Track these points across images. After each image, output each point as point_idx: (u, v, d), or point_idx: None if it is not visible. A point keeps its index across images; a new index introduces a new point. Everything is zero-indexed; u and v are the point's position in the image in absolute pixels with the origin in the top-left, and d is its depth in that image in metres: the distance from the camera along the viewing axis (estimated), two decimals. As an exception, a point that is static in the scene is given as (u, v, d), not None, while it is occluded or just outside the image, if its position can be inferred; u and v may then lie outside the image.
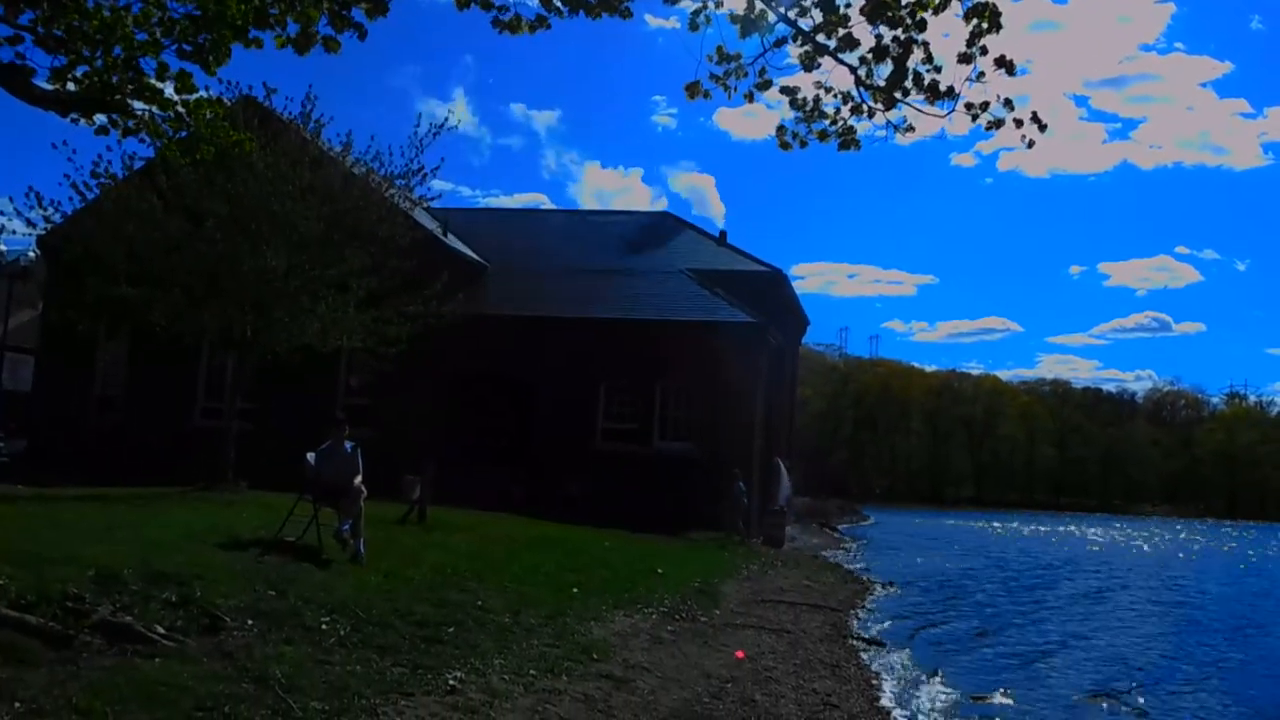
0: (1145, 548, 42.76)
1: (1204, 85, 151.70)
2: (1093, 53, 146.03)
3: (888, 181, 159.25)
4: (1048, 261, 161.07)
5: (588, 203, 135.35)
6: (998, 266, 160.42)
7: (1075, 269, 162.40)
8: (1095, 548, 40.78)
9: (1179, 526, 69.79)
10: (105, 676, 5.68)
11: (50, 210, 15.81)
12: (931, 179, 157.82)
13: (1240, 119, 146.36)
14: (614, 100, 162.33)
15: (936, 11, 6.10)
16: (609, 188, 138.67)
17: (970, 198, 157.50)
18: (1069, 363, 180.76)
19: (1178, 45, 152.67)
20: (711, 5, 6.46)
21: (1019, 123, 6.35)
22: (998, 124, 6.35)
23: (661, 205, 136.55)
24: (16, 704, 5.10)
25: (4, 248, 29.16)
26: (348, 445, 11.23)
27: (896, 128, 6.59)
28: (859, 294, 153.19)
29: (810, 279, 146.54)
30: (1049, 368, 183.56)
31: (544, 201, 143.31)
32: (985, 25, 6.05)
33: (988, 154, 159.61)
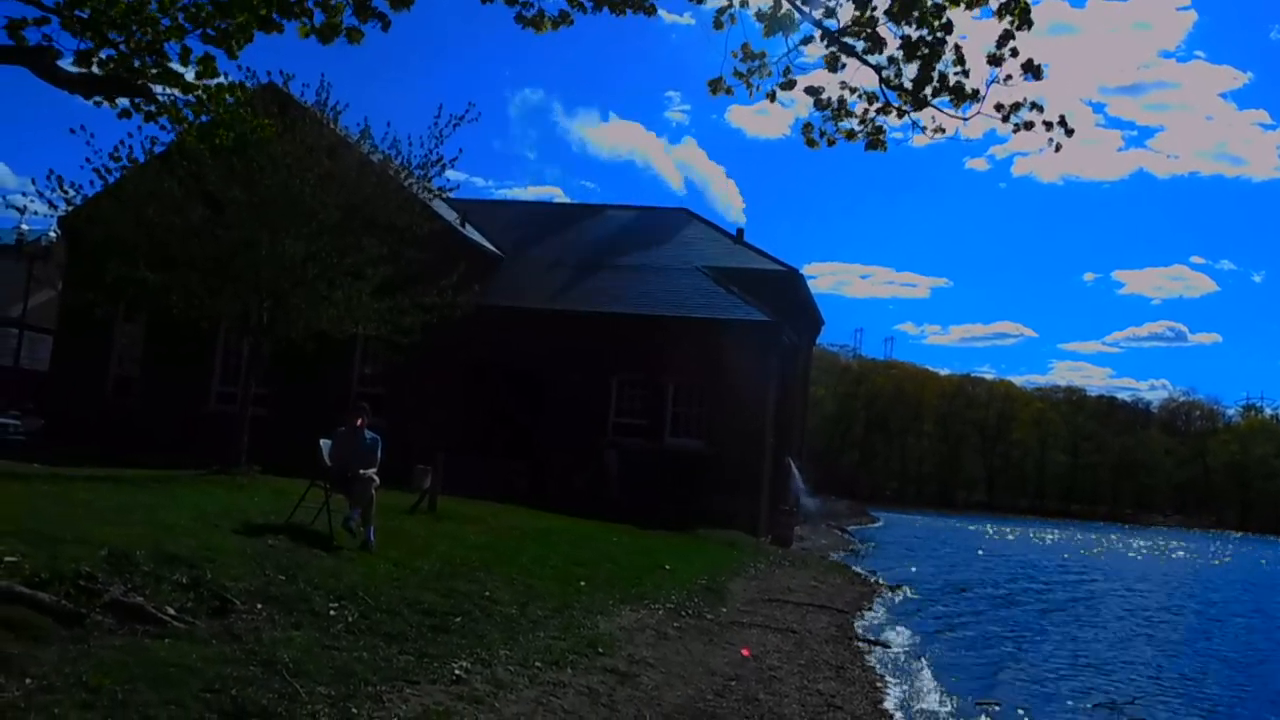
0: (1156, 559, 42.52)
1: (1224, 95, 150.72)
2: (1110, 58, 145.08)
3: (901, 183, 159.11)
4: (1061, 268, 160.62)
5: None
6: (1011, 271, 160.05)
7: (1089, 276, 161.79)
8: (1105, 556, 40.57)
9: (1191, 537, 69.35)
10: (115, 655, 5.73)
11: (71, 193, 15.91)
12: (945, 182, 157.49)
13: (1259, 130, 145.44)
14: (626, 95, 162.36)
15: (969, 6, 6.06)
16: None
17: (984, 202, 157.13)
18: (1083, 370, 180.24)
19: (1198, 53, 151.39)
20: (737, 3, 6.43)
21: (1048, 125, 6.33)
22: (1027, 126, 6.32)
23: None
24: (28, 680, 5.15)
25: (26, 227, 29.35)
26: (368, 435, 11.25)
27: (925, 128, 6.56)
28: (872, 295, 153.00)
29: (823, 278, 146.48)
30: (1062, 374, 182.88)
31: (558, 195, 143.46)
32: (1016, 22, 6.01)
33: (1001, 159, 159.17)
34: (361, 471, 10.75)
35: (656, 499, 22.56)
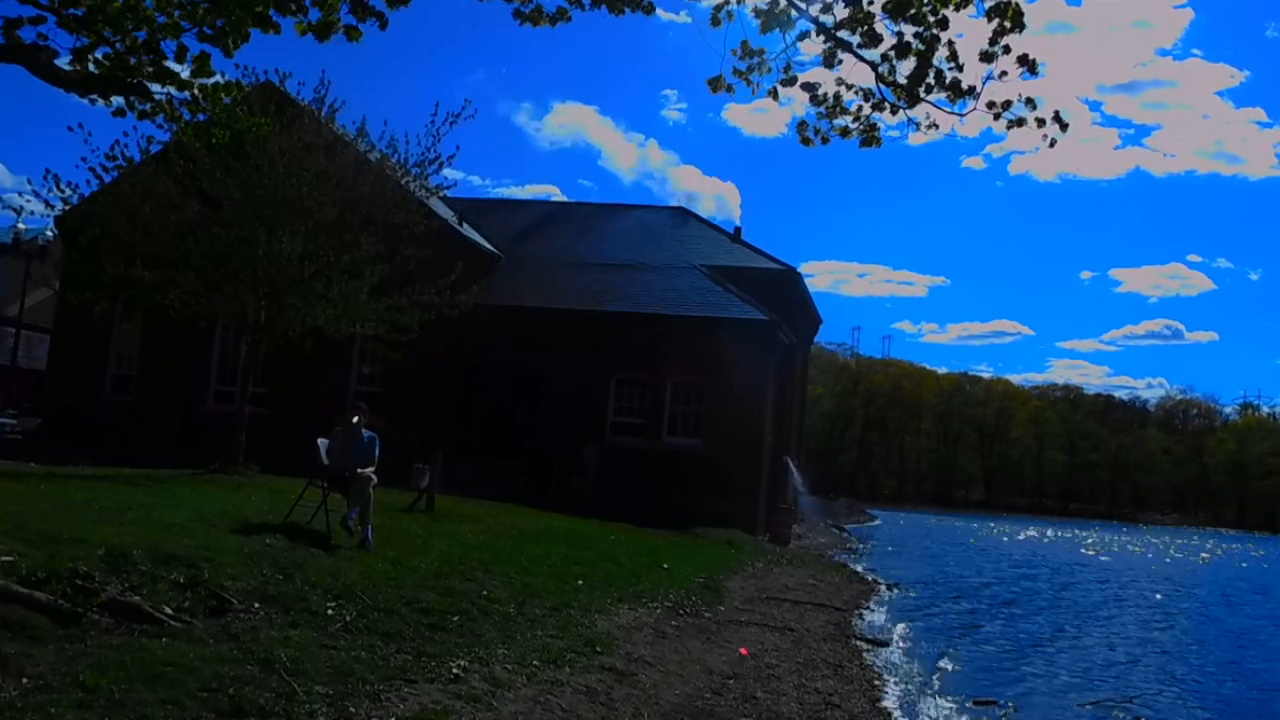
0: (1153, 556, 42.58)
1: (1221, 94, 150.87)
2: (1108, 57, 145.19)
3: (898, 182, 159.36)
4: (1059, 266, 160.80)
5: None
6: (1009, 270, 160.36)
7: (1086, 274, 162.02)
8: (1103, 555, 40.63)
9: (1189, 535, 69.43)
10: (112, 655, 5.72)
11: (68, 192, 15.90)
12: (942, 181, 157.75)
13: (1256, 128, 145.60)
14: (624, 94, 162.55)
15: (958, 8, 6.05)
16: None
17: (981, 200, 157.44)
18: (1080, 368, 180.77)
19: (1195, 51, 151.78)
20: (734, 0, 6.42)
21: (1041, 121, 6.31)
22: (1019, 123, 6.31)
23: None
24: (25, 680, 5.14)
25: (23, 226, 29.29)
26: (366, 434, 11.23)
27: (918, 125, 6.56)
28: (870, 294, 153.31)
29: (820, 277, 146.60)
30: (1060, 373, 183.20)
31: (556, 193, 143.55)
32: (1008, 24, 6.00)
33: (998, 157, 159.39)
34: (359, 470, 10.74)
35: (654, 498, 22.56)
